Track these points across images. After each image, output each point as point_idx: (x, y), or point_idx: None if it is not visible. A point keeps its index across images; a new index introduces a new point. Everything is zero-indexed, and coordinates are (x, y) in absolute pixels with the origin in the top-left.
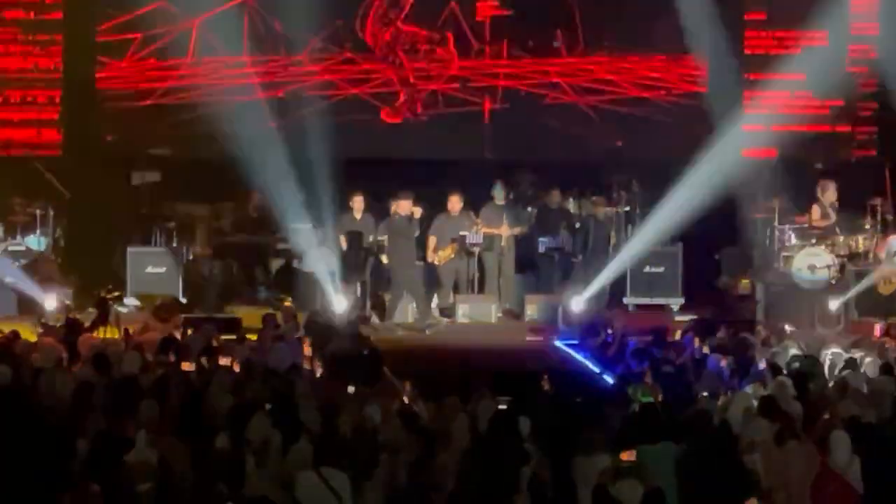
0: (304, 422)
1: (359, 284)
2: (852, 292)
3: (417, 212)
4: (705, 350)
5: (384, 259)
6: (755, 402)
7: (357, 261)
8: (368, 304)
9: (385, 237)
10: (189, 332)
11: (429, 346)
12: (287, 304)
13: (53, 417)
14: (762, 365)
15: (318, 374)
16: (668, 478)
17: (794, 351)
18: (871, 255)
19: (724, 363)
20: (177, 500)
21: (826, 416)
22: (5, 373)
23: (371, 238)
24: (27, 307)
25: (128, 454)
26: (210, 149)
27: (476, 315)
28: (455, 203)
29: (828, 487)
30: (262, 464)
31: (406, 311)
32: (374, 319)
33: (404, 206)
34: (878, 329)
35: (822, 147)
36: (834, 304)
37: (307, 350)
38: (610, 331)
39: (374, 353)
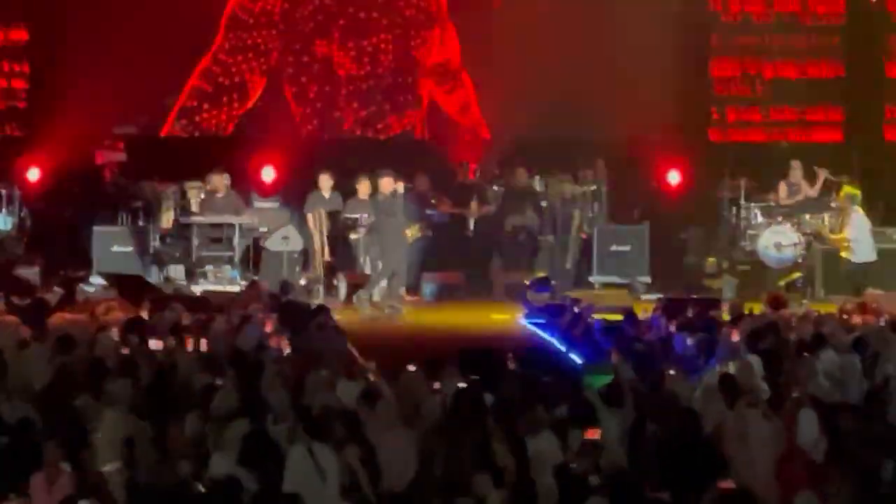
0: (271, 401)
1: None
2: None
3: (400, 187)
4: (672, 329)
5: (353, 236)
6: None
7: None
8: (338, 280)
9: (360, 216)
10: (156, 311)
11: (395, 325)
12: (254, 282)
13: (19, 398)
14: (729, 344)
15: (284, 353)
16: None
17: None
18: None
19: (690, 342)
20: (144, 478)
21: (794, 395)
22: None
23: (342, 216)
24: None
25: (95, 434)
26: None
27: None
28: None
29: (793, 465)
30: (224, 443)
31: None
32: (342, 293)
33: (386, 184)
34: (840, 305)
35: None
36: (800, 282)
37: (270, 328)
38: (576, 310)
39: (340, 334)
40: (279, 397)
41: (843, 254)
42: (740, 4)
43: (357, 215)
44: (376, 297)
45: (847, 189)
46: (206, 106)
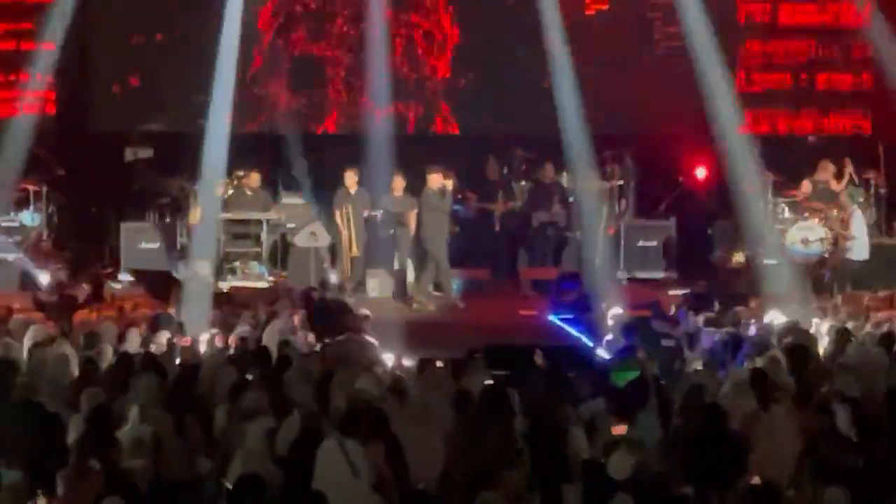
0: (296, 396)
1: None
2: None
3: (449, 184)
4: (699, 324)
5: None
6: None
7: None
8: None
9: (406, 211)
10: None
11: (422, 319)
12: (282, 278)
13: (46, 394)
14: (755, 339)
15: (309, 349)
16: (656, 452)
17: (785, 324)
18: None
19: (717, 337)
20: (169, 476)
21: (824, 390)
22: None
23: (365, 213)
24: (28, 284)
25: (121, 431)
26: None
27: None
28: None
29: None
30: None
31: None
32: (370, 289)
33: (435, 180)
34: (866, 299)
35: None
36: (827, 277)
37: (297, 324)
38: (604, 305)
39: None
40: (305, 393)
41: (842, 248)
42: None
43: (381, 211)
44: (427, 291)
45: (848, 188)
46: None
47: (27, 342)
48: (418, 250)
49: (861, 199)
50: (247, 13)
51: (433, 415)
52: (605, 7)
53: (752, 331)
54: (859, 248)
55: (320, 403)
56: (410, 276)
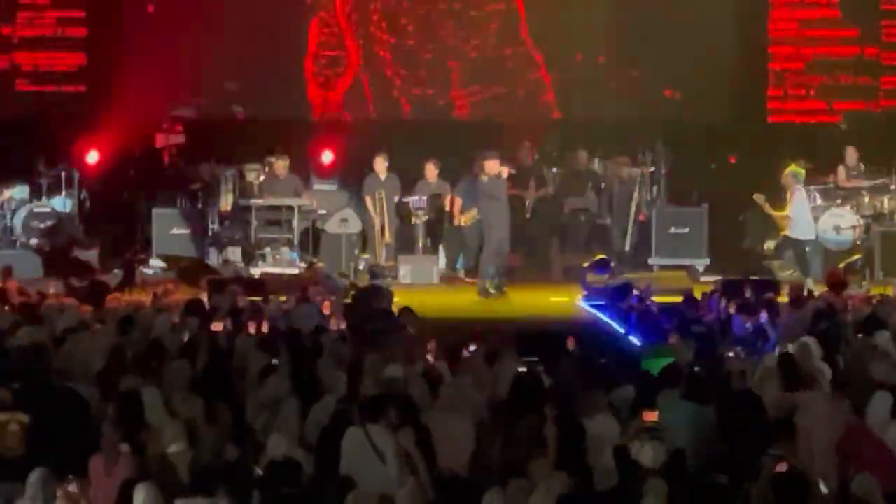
0: (326, 382)
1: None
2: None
3: (504, 171)
4: (731, 311)
5: (415, 221)
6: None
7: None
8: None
9: (415, 199)
10: (214, 293)
11: (452, 305)
12: (316, 265)
13: (80, 379)
14: (788, 326)
15: (340, 335)
16: (694, 442)
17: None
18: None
19: (749, 324)
20: (203, 460)
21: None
22: (32, 333)
23: (396, 198)
24: (53, 269)
25: (155, 415)
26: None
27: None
28: (492, 166)
29: (862, 447)
30: (275, 425)
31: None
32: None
33: (492, 166)
34: (893, 289)
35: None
36: (859, 264)
37: (328, 310)
38: (636, 292)
39: (394, 315)
40: (336, 379)
41: (783, 231)
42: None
43: (415, 198)
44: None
45: (791, 167)
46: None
47: (60, 327)
48: (457, 237)
49: (803, 180)
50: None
51: (465, 402)
52: None
53: (785, 317)
54: (802, 227)
55: (351, 390)
56: (442, 262)
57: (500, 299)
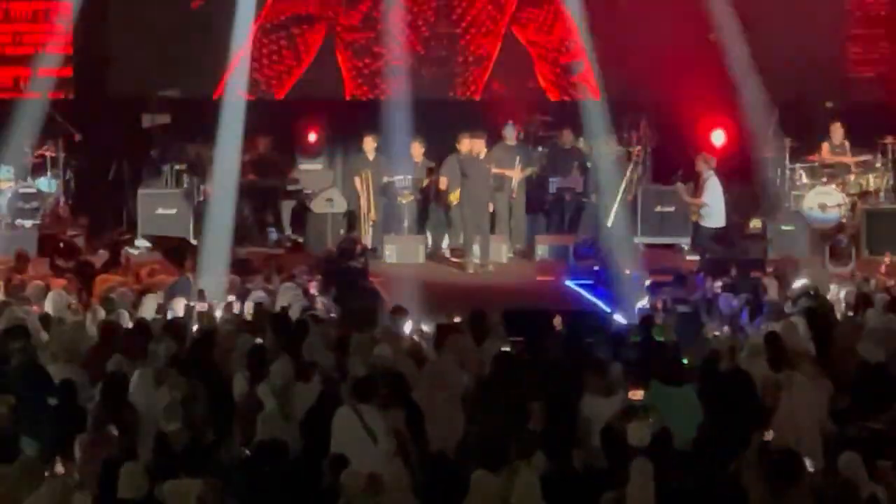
0: (313, 363)
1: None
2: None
3: (479, 148)
4: (717, 290)
5: (402, 200)
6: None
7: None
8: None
9: (398, 179)
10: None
11: (438, 284)
12: (298, 244)
13: (64, 361)
14: (773, 304)
15: (326, 315)
16: (682, 418)
17: (802, 288)
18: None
19: (735, 302)
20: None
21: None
22: (17, 313)
23: (384, 179)
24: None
25: (142, 395)
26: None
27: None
28: (465, 145)
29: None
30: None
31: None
32: (387, 255)
33: (465, 145)
34: (884, 266)
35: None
36: (844, 242)
37: (314, 290)
38: (627, 271)
39: (378, 295)
40: (323, 359)
41: (693, 218)
42: None
43: (400, 177)
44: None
45: (704, 154)
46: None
47: (47, 308)
48: (442, 216)
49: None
50: None
51: (451, 381)
52: None
53: (770, 296)
54: (714, 215)
55: (338, 369)
56: (428, 242)
57: (485, 278)
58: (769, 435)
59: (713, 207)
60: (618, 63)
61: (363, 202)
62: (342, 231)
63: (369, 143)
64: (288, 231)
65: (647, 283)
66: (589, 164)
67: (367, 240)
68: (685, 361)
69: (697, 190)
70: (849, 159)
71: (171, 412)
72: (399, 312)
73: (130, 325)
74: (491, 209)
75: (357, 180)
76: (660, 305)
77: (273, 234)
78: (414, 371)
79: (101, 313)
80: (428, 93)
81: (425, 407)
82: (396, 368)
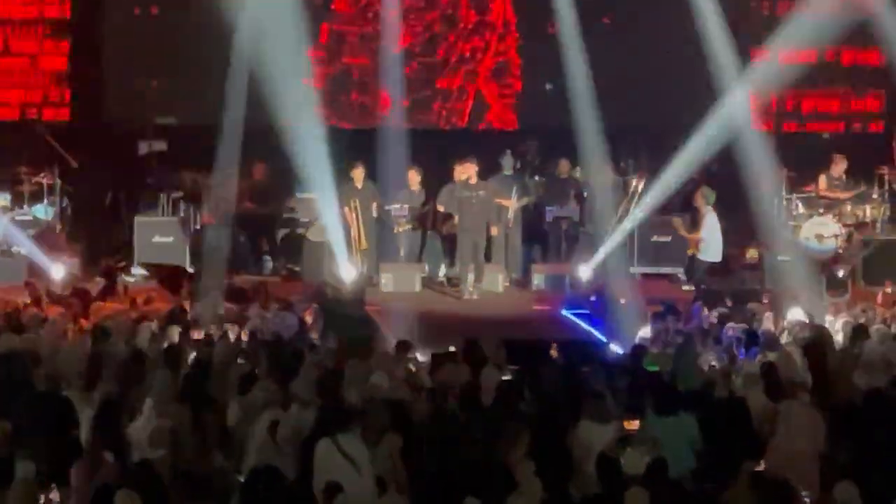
0: (307, 392)
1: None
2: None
3: (469, 174)
4: (713, 320)
5: (399, 229)
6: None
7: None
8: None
9: (397, 207)
10: (195, 302)
11: (434, 313)
12: (296, 272)
13: (61, 388)
14: (768, 335)
15: (320, 343)
16: (679, 448)
17: (800, 319)
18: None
19: (731, 332)
20: (184, 469)
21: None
22: (14, 340)
23: (374, 206)
24: (36, 276)
25: (135, 424)
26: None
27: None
28: (460, 172)
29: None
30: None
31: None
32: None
33: (460, 172)
34: (880, 296)
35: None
36: (841, 273)
37: (309, 318)
38: (623, 301)
39: (373, 324)
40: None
41: (691, 251)
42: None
43: (397, 206)
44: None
45: (703, 190)
46: None
47: (43, 335)
48: (439, 244)
49: (713, 201)
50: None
51: (444, 408)
52: None
53: (766, 326)
54: (712, 249)
55: (333, 398)
56: (425, 270)
57: (481, 306)
58: (762, 465)
59: (710, 243)
60: (616, 92)
61: (353, 231)
62: (337, 260)
63: (358, 172)
64: (283, 259)
65: (649, 313)
66: (585, 194)
67: (362, 269)
68: (680, 390)
69: (695, 224)
70: (843, 195)
71: (157, 439)
72: (404, 349)
73: (125, 353)
74: (495, 232)
75: (346, 209)
76: (659, 335)
77: (269, 262)
78: (410, 399)
79: (96, 341)
80: (422, 122)
81: (422, 434)
82: (393, 397)
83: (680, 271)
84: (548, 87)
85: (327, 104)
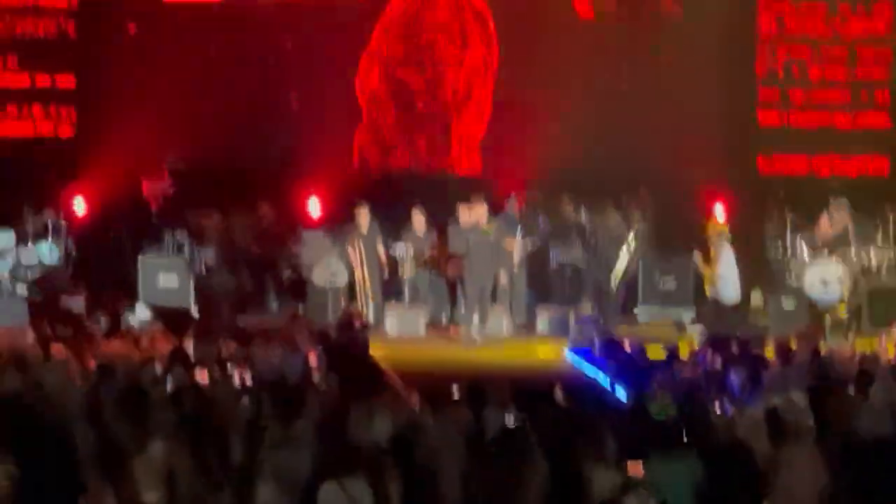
0: (309, 434)
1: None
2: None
3: (476, 215)
4: (717, 365)
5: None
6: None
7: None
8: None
9: (399, 251)
10: (199, 342)
11: (438, 355)
12: (297, 315)
13: (63, 428)
14: (774, 380)
15: (324, 386)
16: (682, 494)
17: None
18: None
19: (736, 378)
20: None
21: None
22: (17, 379)
23: (380, 248)
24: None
25: (138, 463)
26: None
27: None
28: (464, 213)
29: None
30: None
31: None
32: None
33: (464, 214)
34: (884, 339)
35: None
36: (845, 316)
37: (313, 361)
38: (627, 346)
39: (377, 367)
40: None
41: (707, 285)
42: (786, 51)
43: (399, 252)
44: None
45: (715, 225)
46: None
47: (47, 375)
48: (444, 286)
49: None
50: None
51: (449, 452)
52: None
53: (770, 371)
54: (728, 288)
55: (337, 440)
56: (428, 313)
57: (485, 350)
58: None
59: (727, 278)
60: (618, 134)
61: (358, 274)
62: (343, 302)
63: (362, 215)
64: (288, 301)
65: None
66: (589, 236)
67: (367, 312)
68: (684, 435)
69: (710, 260)
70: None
71: (150, 481)
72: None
73: (129, 393)
74: (504, 280)
75: (350, 251)
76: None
77: (274, 304)
78: (414, 442)
79: (99, 381)
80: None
81: (425, 477)
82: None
83: (685, 314)
84: None
85: None
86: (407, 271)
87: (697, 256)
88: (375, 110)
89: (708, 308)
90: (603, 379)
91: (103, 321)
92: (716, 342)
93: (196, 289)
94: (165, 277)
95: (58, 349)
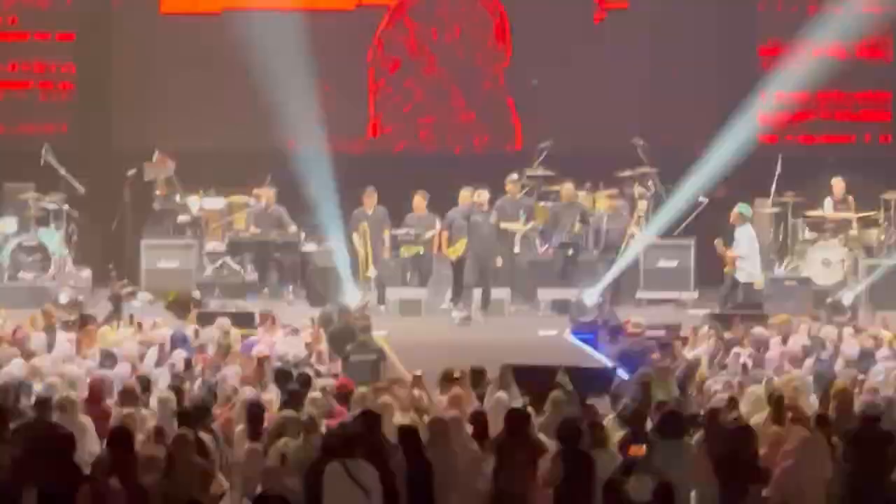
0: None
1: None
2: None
3: (477, 199)
4: (720, 345)
5: (405, 254)
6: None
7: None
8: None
9: (403, 231)
10: (202, 326)
11: (441, 339)
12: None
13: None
14: (776, 360)
15: (328, 369)
16: (683, 473)
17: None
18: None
19: (741, 358)
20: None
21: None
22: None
23: (385, 232)
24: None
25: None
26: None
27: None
28: (464, 196)
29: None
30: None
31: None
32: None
33: (464, 197)
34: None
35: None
36: (847, 298)
37: (316, 344)
38: (626, 327)
39: (380, 349)
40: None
41: (727, 269)
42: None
43: (403, 231)
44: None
45: (740, 205)
46: None
47: (48, 360)
48: (446, 269)
49: (751, 215)
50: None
51: (453, 436)
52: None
53: (774, 352)
54: (749, 268)
55: (340, 423)
56: (428, 294)
57: (486, 331)
58: (768, 490)
59: (749, 259)
60: (624, 116)
61: (361, 257)
62: (346, 284)
63: (368, 197)
64: (290, 284)
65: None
66: (591, 219)
67: (368, 294)
68: (686, 416)
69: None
70: (852, 215)
71: (150, 465)
72: (418, 384)
73: (131, 377)
74: (500, 263)
75: (355, 235)
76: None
77: (276, 288)
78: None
79: (101, 366)
80: (430, 146)
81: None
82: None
83: (686, 295)
84: (534, 82)
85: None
86: (409, 253)
87: (718, 243)
88: (393, 86)
89: (732, 290)
90: (605, 360)
91: (106, 305)
92: (716, 322)
93: (197, 272)
94: (167, 262)
95: (61, 334)
